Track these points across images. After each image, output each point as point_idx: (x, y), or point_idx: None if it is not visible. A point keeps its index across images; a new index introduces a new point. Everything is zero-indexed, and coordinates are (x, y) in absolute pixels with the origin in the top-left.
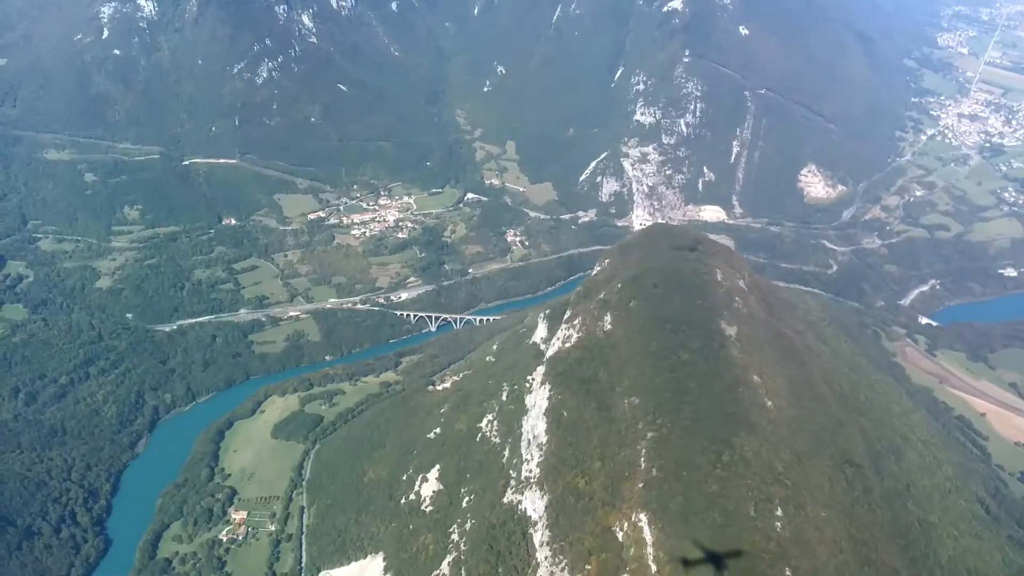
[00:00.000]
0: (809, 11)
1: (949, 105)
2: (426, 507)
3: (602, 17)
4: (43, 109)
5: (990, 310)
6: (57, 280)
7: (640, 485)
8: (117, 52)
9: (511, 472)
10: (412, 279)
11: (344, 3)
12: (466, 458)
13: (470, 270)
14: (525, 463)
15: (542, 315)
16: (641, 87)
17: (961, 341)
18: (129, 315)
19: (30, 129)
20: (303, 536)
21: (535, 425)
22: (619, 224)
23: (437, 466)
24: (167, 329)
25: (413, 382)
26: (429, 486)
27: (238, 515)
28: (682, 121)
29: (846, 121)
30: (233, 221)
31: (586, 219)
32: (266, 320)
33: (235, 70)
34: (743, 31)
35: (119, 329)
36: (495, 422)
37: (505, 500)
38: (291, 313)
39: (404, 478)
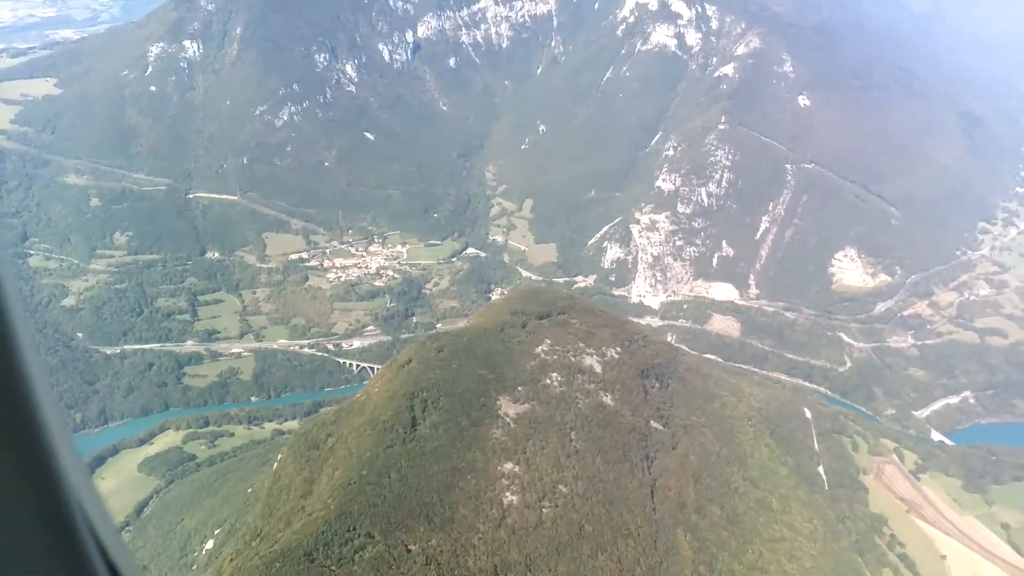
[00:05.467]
0: (896, 85)
1: None
2: (196, 568)
3: (651, 80)
4: (76, 137)
5: None
6: (28, 295)
7: None
8: (153, 88)
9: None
10: (370, 328)
11: (397, 56)
12: (243, 517)
13: (438, 325)
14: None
15: None
16: (671, 152)
17: (963, 466)
18: (80, 334)
19: (60, 154)
20: None
21: None
22: (616, 293)
23: (228, 523)
24: (109, 352)
25: (305, 433)
26: (210, 544)
27: None
28: (703, 190)
29: (914, 205)
30: (216, 255)
31: (583, 284)
32: (206, 354)
33: (257, 111)
34: (803, 101)
35: (59, 346)
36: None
37: (227, 571)
38: (234, 349)
39: (204, 532)
